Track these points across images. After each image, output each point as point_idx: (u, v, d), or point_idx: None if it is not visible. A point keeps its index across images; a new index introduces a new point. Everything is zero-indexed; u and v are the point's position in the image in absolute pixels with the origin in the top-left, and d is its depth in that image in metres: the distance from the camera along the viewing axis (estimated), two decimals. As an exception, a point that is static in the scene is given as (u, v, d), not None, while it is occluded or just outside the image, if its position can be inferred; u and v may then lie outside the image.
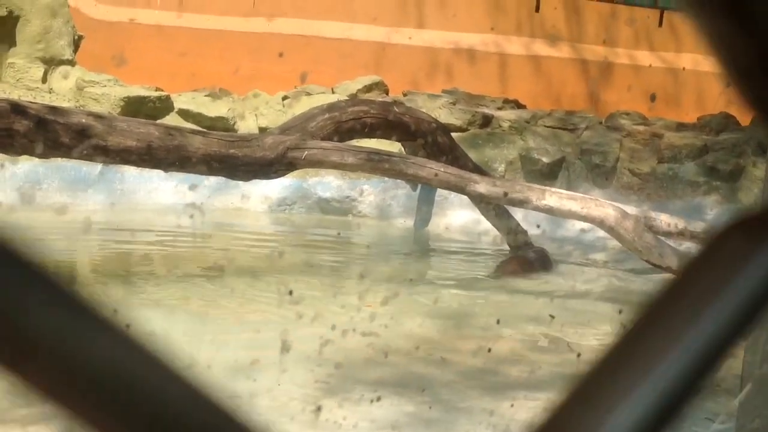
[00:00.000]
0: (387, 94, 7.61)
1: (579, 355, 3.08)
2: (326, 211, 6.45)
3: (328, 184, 6.45)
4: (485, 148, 6.79)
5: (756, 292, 0.23)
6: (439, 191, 5.98)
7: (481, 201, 5.40)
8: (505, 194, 4.98)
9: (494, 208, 5.59)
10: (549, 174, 6.71)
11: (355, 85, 7.56)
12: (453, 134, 6.10)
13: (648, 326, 0.23)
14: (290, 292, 3.85)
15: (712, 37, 0.29)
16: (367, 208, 6.49)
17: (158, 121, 5.56)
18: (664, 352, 0.22)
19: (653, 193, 6.65)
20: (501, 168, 6.69)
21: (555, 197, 5.01)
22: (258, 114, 6.83)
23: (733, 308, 0.23)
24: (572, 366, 3.06)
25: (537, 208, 5.02)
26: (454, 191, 5.27)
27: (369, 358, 3.19)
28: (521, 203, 5.04)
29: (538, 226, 5.45)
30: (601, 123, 7.18)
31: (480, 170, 5.64)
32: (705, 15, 0.29)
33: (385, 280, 4.80)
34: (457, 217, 6.30)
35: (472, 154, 6.13)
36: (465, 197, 5.43)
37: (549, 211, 5.04)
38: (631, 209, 5.29)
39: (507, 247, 5.71)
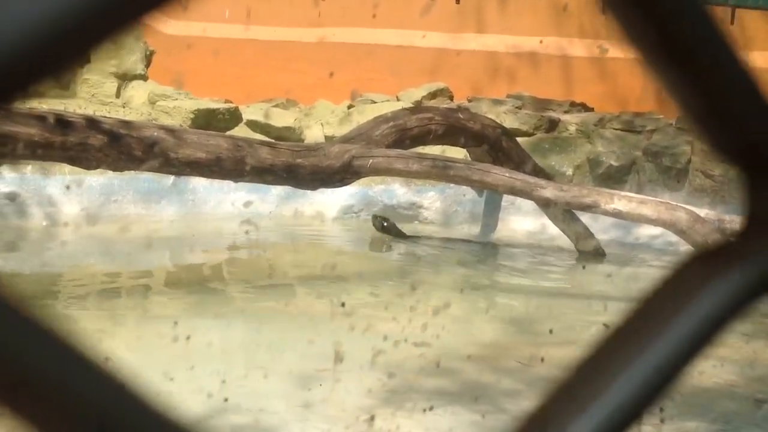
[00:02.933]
0: (451, 100, 7.61)
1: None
2: (393, 218, 6.47)
3: (393, 191, 6.47)
4: (552, 152, 6.72)
5: (708, 317, 0.25)
6: (506, 196, 5.94)
7: (548, 206, 5.35)
8: (573, 198, 4.93)
9: (562, 213, 5.53)
10: (618, 178, 6.61)
11: (419, 92, 7.58)
12: (518, 139, 6.06)
13: (615, 341, 0.25)
14: (343, 304, 3.87)
15: (667, 87, 0.29)
16: (432, 215, 6.49)
17: (227, 133, 5.67)
18: (628, 364, 0.24)
19: (727, 195, 6.48)
20: (568, 172, 6.62)
21: (624, 201, 4.93)
22: (324, 123, 6.90)
23: (688, 331, 0.25)
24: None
25: (606, 213, 4.95)
26: (520, 197, 5.23)
27: (423, 367, 3.19)
28: (589, 208, 4.98)
29: (607, 231, 5.37)
30: (671, 124, 7.03)
31: (546, 175, 5.59)
32: (658, 65, 0.29)
33: (450, 287, 4.80)
34: (524, 222, 6.25)
35: (539, 159, 6.08)
36: (532, 202, 5.39)
37: (618, 215, 4.96)
38: (704, 212, 5.16)
39: (576, 252, 5.64)
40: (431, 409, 2.75)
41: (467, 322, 4.14)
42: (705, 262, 0.27)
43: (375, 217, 5.94)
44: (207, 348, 3.18)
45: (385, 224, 5.88)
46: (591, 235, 5.64)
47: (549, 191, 4.96)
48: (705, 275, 0.26)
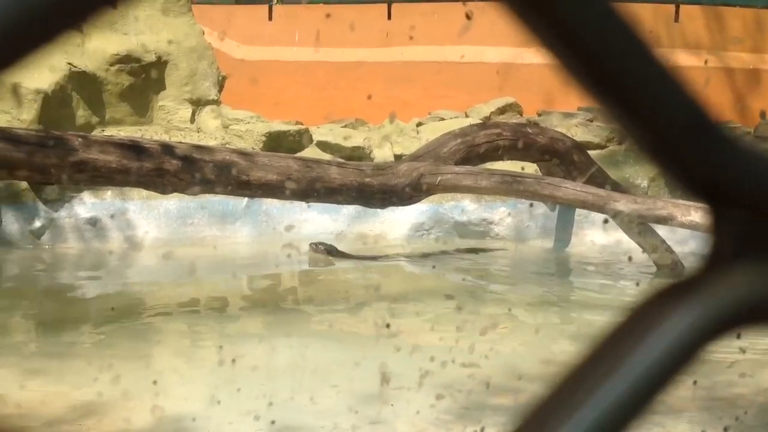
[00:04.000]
0: (521, 114, 7.55)
1: (695, 382, 2.87)
2: (463, 234, 6.44)
3: (463, 207, 6.45)
4: (625, 165, 6.59)
5: (665, 353, 0.24)
6: (579, 210, 5.85)
7: (622, 219, 5.24)
8: (648, 211, 4.82)
9: (637, 226, 5.41)
10: (695, 188, 6.43)
11: (488, 107, 7.55)
12: (590, 152, 5.97)
13: (588, 364, 0.25)
14: (388, 325, 3.83)
15: (614, 120, 0.29)
16: (504, 231, 6.43)
17: (297, 154, 5.76)
18: (585, 400, 0.24)
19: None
20: (643, 184, 6.48)
21: (701, 212, 4.78)
22: (393, 142, 6.93)
23: (644, 366, 0.24)
24: (687, 390, 2.85)
25: (683, 225, 4.82)
26: (592, 210, 5.15)
27: (473, 388, 3.15)
28: (665, 220, 4.86)
29: (683, 244, 5.22)
30: (749, 133, 6.82)
31: (620, 188, 5.49)
32: (599, 100, 0.29)
33: (523, 303, 4.74)
34: (598, 236, 6.13)
35: (612, 172, 5.97)
36: (606, 216, 5.29)
37: (695, 227, 4.83)
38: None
39: (653, 266, 5.51)
40: (482, 430, 2.71)
41: (530, 339, 4.08)
42: (667, 298, 0.27)
43: (312, 245, 5.65)
44: (253, 371, 3.20)
45: (322, 247, 5.68)
46: (669, 248, 5.50)
47: (622, 204, 4.86)
48: (664, 311, 0.26)
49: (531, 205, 5.86)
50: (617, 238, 5.83)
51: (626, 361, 0.24)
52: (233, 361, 3.15)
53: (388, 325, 3.85)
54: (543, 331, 4.13)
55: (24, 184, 5.61)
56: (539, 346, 3.84)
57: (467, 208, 6.44)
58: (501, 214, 6.43)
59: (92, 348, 3.77)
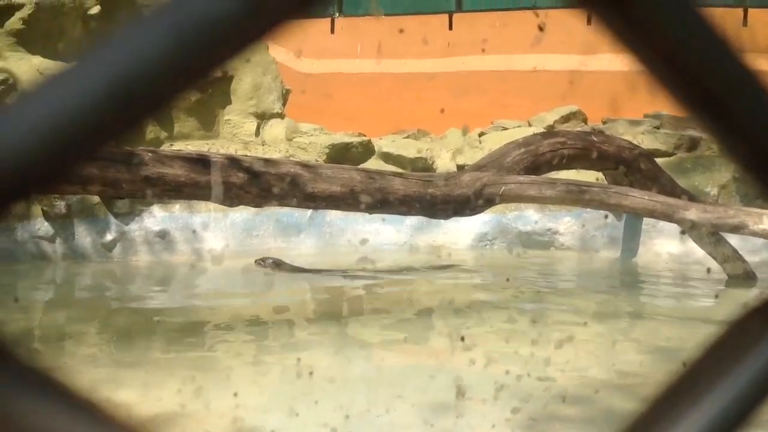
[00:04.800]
0: (585, 123, 7.46)
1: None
2: (527, 245, 6.38)
3: (528, 217, 6.39)
4: (694, 172, 6.45)
5: (763, 370, 0.24)
6: (647, 219, 5.74)
7: (692, 228, 5.13)
8: (718, 219, 4.70)
9: (708, 235, 5.28)
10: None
11: (551, 116, 7.47)
12: (658, 160, 5.86)
13: (689, 377, 0.25)
14: (462, 338, 3.80)
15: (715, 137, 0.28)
16: (569, 240, 6.35)
17: (360, 166, 5.79)
18: (685, 415, 0.24)
19: None
20: (713, 192, 6.32)
21: (775, 221, 4.65)
22: (455, 152, 6.92)
23: (743, 382, 0.24)
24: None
25: (755, 234, 4.69)
26: (661, 219, 5.04)
27: (548, 401, 3.11)
28: (737, 229, 4.73)
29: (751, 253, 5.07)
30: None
31: (689, 196, 5.37)
32: (695, 116, 0.28)
33: (595, 315, 4.66)
34: (668, 246, 6.00)
35: (680, 180, 5.85)
36: (675, 225, 5.18)
37: (768, 235, 4.69)
38: None
39: (724, 276, 5.37)
40: None
41: (603, 350, 4.00)
42: (765, 313, 0.26)
43: (258, 260, 5.60)
44: (329, 383, 3.22)
45: (270, 260, 5.62)
46: (740, 258, 5.35)
47: (692, 213, 4.76)
48: (763, 327, 0.25)
49: (606, 216, 5.77)
50: (687, 247, 5.70)
51: (730, 374, 0.24)
52: (310, 373, 3.17)
53: (462, 338, 3.83)
54: (618, 343, 4.06)
55: (96, 199, 5.78)
56: (615, 358, 3.77)
57: (531, 218, 6.38)
58: (566, 224, 6.35)
59: (168, 359, 3.84)
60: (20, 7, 6.03)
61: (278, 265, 5.55)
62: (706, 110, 0.31)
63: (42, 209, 5.73)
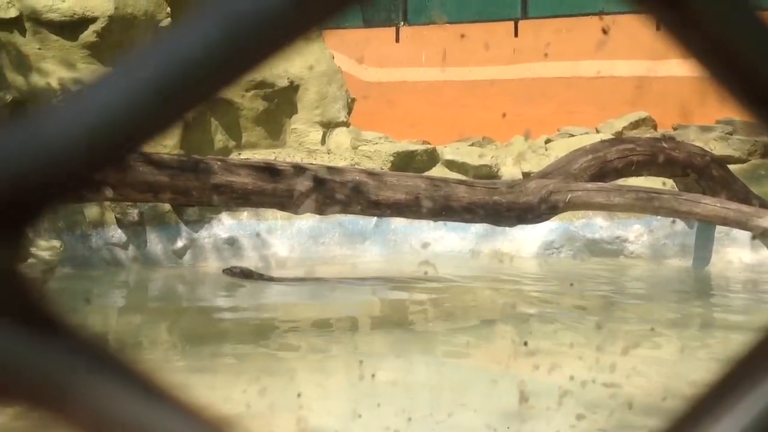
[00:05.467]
0: (655, 129, 7.32)
1: None
2: (595, 253, 6.28)
3: (595, 225, 6.29)
4: (769, 178, 6.26)
5: None
6: (720, 227, 5.60)
7: (765, 236, 4.98)
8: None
9: (783, 243, 5.12)
10: None
11: (620, 122, 7.35)
12: (731, 167, 5.71)
13: (726, 383, 0.24)
14: (525, 343, 3.75)
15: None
16: (639, 249, 6.23)
17: (425, 174, 5.79)
18: (735, 407, 0.23)
19: None
20: (789, 199, 6.13)
21: None
22: (521, 159, 6.87)
23: None
24: None
25: (834, 242, 4.53)
26: (734, 227, 4.91)
27: (614, 408, 3.04)
28: (814, 237, 4.58)
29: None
30: None
31: (762, 203, 5.21)
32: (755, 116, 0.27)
33: (663, 323, 4.56)
34: (740, 254, 5.84)
35: (754, 187, 5.69)
36: (748, 233, 5.04)
37: None
38: None
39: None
40: None
41: (670, 358, 3.91)
42: None
43: (226, 269, 5.56)
44: (392, 386, 3.23)
45: (238, 270, 5.52)
46: (819, 267, 5.17)
47: (766, 220, 4.62)
48: None
49: (673, 221, 5.65)
50: (761, 255, 5.54)
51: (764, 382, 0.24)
52: (373, 376, 3.19)
53: (525, 343, 3.80)
54: (686, 351, 3.97)
55: (167, 206, 5.91)
56: (683, 365, 3.69)
57: (599, 225, 6.28)
58: (636, 232, 6.23)
59: (235, 363, 3.91)
60: (94, 20, 6.23)
61: (246, 275, 5.49)
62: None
63: (115, 217, 5.89)
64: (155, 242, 5.99)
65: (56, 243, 5.22)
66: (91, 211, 5.78)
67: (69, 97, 0.23)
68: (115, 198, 4.59)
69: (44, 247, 5.06)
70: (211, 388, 3.35)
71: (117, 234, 5.87)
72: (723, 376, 0.25)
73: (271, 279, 5.55)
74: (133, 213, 5.91)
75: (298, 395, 3.03)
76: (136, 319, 4.95)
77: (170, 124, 0.23)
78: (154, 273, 5.85)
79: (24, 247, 0.24)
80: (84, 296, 5.13)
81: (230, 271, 5.54)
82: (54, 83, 5.98)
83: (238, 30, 0.23)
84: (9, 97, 5.64)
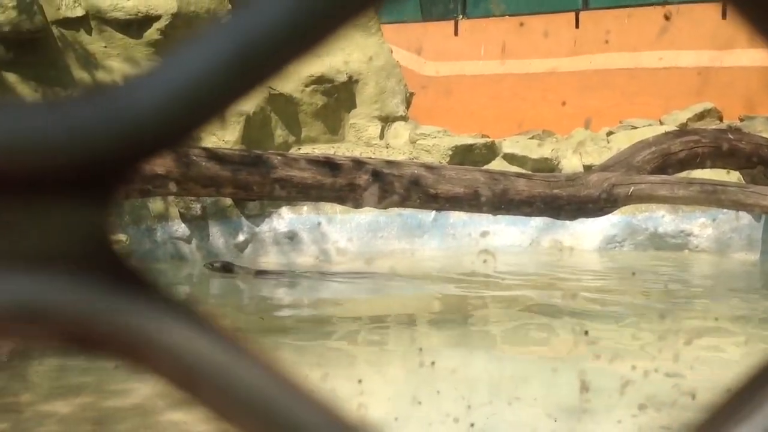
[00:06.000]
0: (720, 120, 7.15)
1: None
2: (659, 247, 6.17)
3: (659, 218, 6.18)
4: (842, 170, 6.05)
5: None
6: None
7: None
8: None
9: None
10: None
11: (684, 114, 7.20)
12: (800, 158, 5.53)
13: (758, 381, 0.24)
14: (586, 332, 3.71)
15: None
16: (704, 243, 6.10)
17: (484, 167, 5.77)
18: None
19: None
20: None
21: None
22: (582, 152, 6.78)
23: None
24: None
25: None
26: (804, 220, 4.77)
27: (677, 399, 2.99)
28: None
29: None
30: None
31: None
32: None
33: (728, 316, 4.46)
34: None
35: (826, 178, 5.51)
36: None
37: None
38: None
39: None
40: None
41: (734, 349, 3.83)
42: None
43: (207, 264, 5.54)
44: (451, 374, 3.23)
45: (218, 264, 5.48)
46: None
47: (839, 213, 4.48)
48: None
49: (739, 214, 5.52)
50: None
51: None
52: (432, 364, 3.21)
53: (586, 332, 3.76)
54: (750, 344, 3.88)
55: (229, 201, 6.01)
56: (748, 358, 3.60)
57: (663, 218, 6.17)
58: (700, 225, 6.10)
59: (295, 354, 3.96)
60: (157, 18, 6.36)
61: (228, 269, 5.49)
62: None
63: (179, 212, 6.01)
64: (217, 236, 6.09)
65: (122, 237, 5.36)
66: (156, 205, 5.91)
67: (151, 69, 0.24)
68: (178, 193, 4.69)
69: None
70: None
71: (181, 228, 5.99)
72: (756, 373, 0.25)
73: (264, 273, 5.55)
74: (196, 207, 6.02)
75: (359, 381, 3.06)
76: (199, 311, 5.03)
77: (242, 94, 0.24)
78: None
79: (114, 208, 0.25)
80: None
81: (210, 266, 5.56)
82: (118, 80, 6.11)
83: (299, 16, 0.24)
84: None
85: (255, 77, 0.24)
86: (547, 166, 6.60)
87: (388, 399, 3.12)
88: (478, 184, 4.70)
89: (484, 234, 5.73)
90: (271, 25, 0.23)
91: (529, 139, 7.22)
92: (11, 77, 5.88)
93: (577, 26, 9.16)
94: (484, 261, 4.86)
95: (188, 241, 6.01)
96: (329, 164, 4.60)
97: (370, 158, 5.04)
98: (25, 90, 5.89)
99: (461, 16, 9.96)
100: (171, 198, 5.75)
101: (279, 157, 4.55)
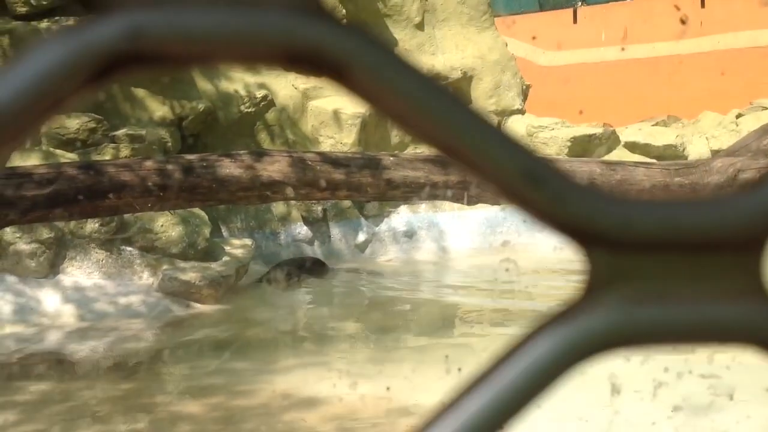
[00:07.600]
0: None
1: None
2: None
3: None
4: None
5: (526, 373, 0.24)
6: None
7: None
8: None
9: None
10: None
11: (821, 91, 6.77)
12: None
13: (469, 384, 0.25)
14: None
15: None
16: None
17: (604, 157, 5.63)
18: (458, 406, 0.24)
19: None
20: None
21: None
22: (709, 137, 6.50)
23: (507, 385, 0.24)
24: None
25: None
26: None
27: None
28: None
29: None
30: None
31: None
32: None
33: None
34: None
35: None
36: None
37: None
38: None
39: None
40: None
41: None
42: (543, 324, 0.26)
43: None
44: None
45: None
46: None
47: None
48: (532, 335, 0.26)
49: None
50: None
51: (489, 381, 0.25)
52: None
53: None
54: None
55: (348, 202, 6.14)
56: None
57: None
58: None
59: (412, 353, 4.01)
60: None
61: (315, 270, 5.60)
62: None
63: (301, 215, 6.20)
64: (338, 237, 6.24)
65: (248, 241, 5.58)
66: (279, 209, 6.12)
67: None
68: (295, 198, 4.84)
69: (237, 246, 5.42)
70: (379, 375, 3.46)
71: (303, 230, 6.17)
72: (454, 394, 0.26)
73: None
74: (317, 210, 6.19)
75: (459, 369, 3.08)
76: (324, 311, 5.19)
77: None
78: (338, 267, 6.10)
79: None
80: (274, 292, 5.44)
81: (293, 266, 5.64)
82: (240, 89, 6.37)
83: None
84: (201, 106, 6.07)
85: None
86: (672, 154, 6.38)
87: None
88: (594, 175, 4.60)
89: None
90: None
91: (653, 126, 7.00)
92: None
93: (702, 6, 8.78)
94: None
95: (310, 243, 6.19)
96: (441, 162, 4.62)
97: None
98: None
99: (581, 3, 9.75)
100: (293, 201, 5.94)
101: (391, 158, 4.61)
